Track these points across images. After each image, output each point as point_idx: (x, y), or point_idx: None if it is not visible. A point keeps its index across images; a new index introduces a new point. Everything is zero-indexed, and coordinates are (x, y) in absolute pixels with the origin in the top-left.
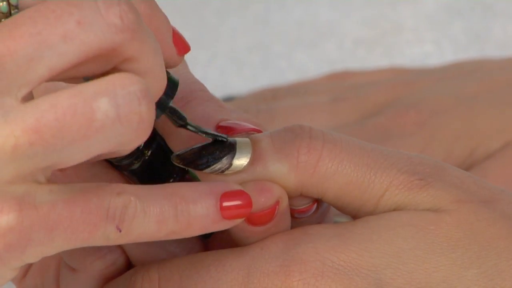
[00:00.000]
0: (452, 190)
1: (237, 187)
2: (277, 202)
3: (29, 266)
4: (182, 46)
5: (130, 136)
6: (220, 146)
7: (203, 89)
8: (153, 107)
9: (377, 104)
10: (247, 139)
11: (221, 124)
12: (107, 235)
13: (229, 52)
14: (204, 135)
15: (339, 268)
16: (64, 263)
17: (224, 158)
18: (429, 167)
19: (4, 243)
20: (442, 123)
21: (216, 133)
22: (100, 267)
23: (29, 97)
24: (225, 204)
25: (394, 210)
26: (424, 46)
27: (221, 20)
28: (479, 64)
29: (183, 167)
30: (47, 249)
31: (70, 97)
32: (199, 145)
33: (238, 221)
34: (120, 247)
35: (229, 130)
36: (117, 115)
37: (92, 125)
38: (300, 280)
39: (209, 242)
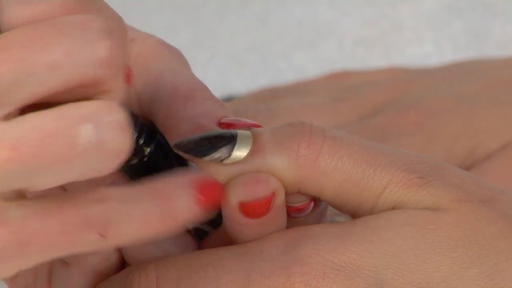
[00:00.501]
0: (451, 189)
1: (209, 177)
2: (273, 194)
3: None
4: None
5: (106, 164)
6: (220, 136)
7: (204, 89)
8: (132, 137)
9: (377, 104)
10: (248, 132)
11: (223, 120)
12: (89, 242)
13: (228, 52)
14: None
15: (340, 269)
16: (58, 258)
17: (224, 147)
18: (429, 166)
19: None
20: (442, 123)
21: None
22: (93, 262)
23: (8, 117)
24: (201, 195)
25: (393, 208)
26: (424, 46)
27: (220, 20)
28: (478, 64)
29: (182, 154)
30: (23, 263)
31: (54, 119)
32: (200, 134)
33: (216, 207)
34: None
35: (230, 125)
36: (99, 143)
37: (74, 150)
38: (301, 282)
39: (205, 240)
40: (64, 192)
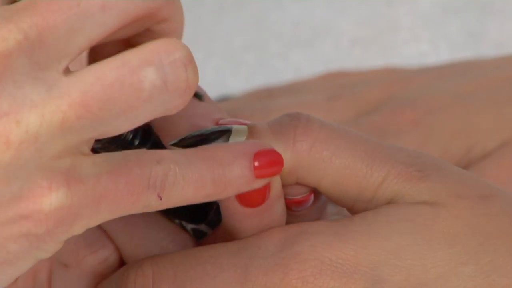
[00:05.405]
0: (450, 184)
1: (268, 146)
2: (269, 183)
3: None
4: None
5: (176, 102)
6: (216, 131)
7: (202, 93)
8: (197, 71)
9: (372, 102)
10: (243, 126)
11: (220, 122)
12: (148, 204)
13: (224, 52)
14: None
15: (337, 266)
16: (57, 260)
17: (220, 138)
18: (427, 160)
19: (54, 220)
20: (438, 121)
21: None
22: (92, 263)
23: (68, 69)
24: (258, 163)
25: (391, 200)
26: (420, 46)
27: (217, 20)
28: (475, 63)
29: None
30: (93, 221)
31: (116, 68)
32: (197, 131)
33: (269, 179)
34: (113, 243)
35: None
36: (164, 84)
37: (140, 96)
38: (299, 278)
39: (204, 240)
40: (126, 152)
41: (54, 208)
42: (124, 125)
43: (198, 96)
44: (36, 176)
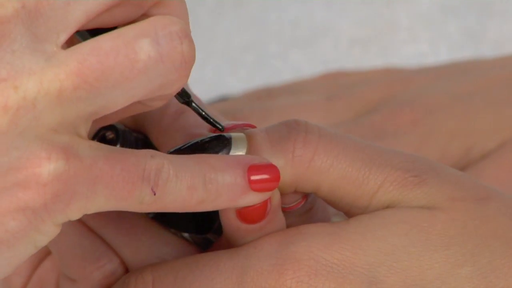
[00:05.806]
0: (446, 187)
1: (264, 161)
2: (269, 198)
3: (28, 281)
4: None
5: (172, 76)
6: (215, 142)
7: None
8: (194, 47)
9: (372, 102)
10: (242, 134)
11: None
12: (142, 198)
13: (224, 52)
14: (204, 114)
15: (333, 266)
16: (64, 274)
17: (220, 153)
18: (424, 165)
19: (51, 192)
20: (438, 122)
21: (215, 119)
22: (99, 277)
23: (65, 45)
24: (253, 177)
25: (388, 206)
26: (419, 46)
27: (216, 20)
28: (474, 63)
29: None
30: (89, 205)
31: (111, 40)
32: (194, 141)
33: (267, 195)
34: (119, 256)
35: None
36: (159, 55)
37: (135, 66)
38: (293, 279)
39: (209, 249)
40: (121, 148)
41: (52, 178)
42: (120, 99)
43: (186, 99)
44: (35, 147)
